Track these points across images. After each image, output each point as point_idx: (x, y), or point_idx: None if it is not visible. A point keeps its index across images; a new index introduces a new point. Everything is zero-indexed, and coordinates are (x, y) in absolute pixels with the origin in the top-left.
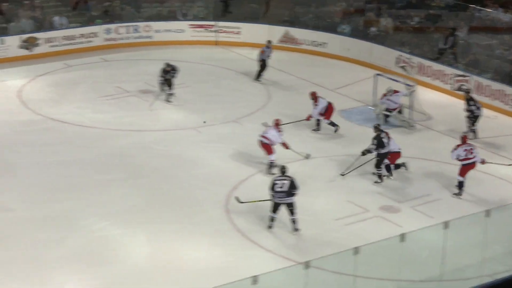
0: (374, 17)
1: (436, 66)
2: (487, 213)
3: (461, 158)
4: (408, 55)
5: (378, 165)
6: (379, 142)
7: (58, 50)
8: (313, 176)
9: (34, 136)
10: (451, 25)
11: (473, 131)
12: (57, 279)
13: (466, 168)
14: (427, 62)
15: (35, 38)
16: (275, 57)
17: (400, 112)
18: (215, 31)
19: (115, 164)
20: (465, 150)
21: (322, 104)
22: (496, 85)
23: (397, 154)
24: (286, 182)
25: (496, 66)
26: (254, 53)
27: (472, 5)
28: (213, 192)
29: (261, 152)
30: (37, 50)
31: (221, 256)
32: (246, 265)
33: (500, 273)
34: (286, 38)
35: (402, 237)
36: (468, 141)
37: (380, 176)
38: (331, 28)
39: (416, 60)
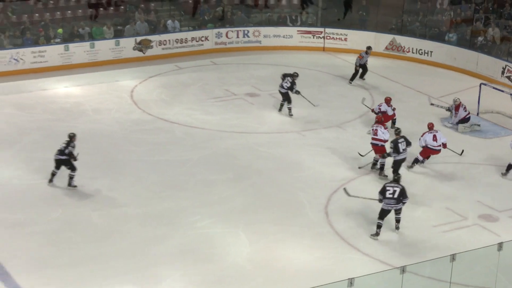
0: (481, 27)
1: None
2: None
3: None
4: None
5: (395, 171)
6: (394, 146)
7: (170, 53)
8: (412, 181)
9: (144, 135)
10: None
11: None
12: (160, 274)
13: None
14: None
15: (149, 41)
16: (381, 64)
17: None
18: (322, 37)
19: (221, 165)
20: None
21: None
22: None
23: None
24: (398, 190)
25: None
26: None
27: None
28: (314, 195)
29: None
30: (150, 52)
31: (320, 259)
32: (343, 267)
33: None
34: (393, 46)
35: (500, 246)
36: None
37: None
38: (438, 37)
39: None
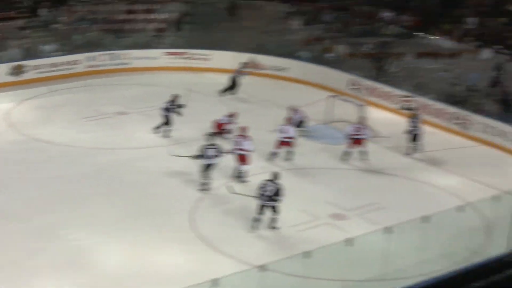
0: (330, 45)
1: (385, 88)
2: (426, 219)
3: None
4: (359, 78)
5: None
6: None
7: (44, 76)
8: None
9: (21, 155)
10: (400, 51)
11: (414, 147)
12: (37, 285)
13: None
14: (376, 84)
15: (23, 66)
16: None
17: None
18: (188, 58)
19: (95, 180)
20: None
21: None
22: (438, 105)
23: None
24: (273, 188)
25: (438, 87)
26: (224, 77)
27: (418, 33)
28: (181, 203)
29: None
30: (24, 76)
31: (189, 262)
32: (209, 269)
33: (436, 272)
34: (252, 64)
35: (349, 241)
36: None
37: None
38: (292, 55)
39: (366, 83)
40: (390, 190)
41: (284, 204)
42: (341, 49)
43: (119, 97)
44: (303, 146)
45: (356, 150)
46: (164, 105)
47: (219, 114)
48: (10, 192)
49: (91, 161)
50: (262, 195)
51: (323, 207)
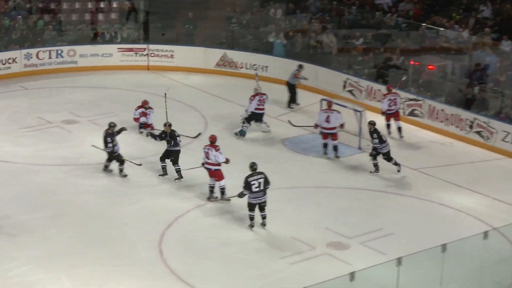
0: (316, 37)
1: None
2: (443, 247)
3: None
4: (355, 79)
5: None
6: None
7: None
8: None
9: None
10: (402, 45)
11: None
12: None
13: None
14: (376, 86)
15: None
16: (212, 82)
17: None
18: (146, 55)
19: (37, 202)
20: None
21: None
22: (451, 109)
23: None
24: (262, 180)
25: (450, 88)
26: (190, 78)
27: (424, 24)
28: (145, 231)
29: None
30: None
31: None
32: None
33: None
34: (224, 62)
35: (352, 276)
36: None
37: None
38: (271, 50)
39: (365, 83)
40: (398, 212)
41: (271, 230)
42: (329, 39)
43: (64, 103)
44: (291, 161)
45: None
46: None
47: (185, 122)
48: None
49: (32, 179)
50: (254, 192)
51: (319, 233)
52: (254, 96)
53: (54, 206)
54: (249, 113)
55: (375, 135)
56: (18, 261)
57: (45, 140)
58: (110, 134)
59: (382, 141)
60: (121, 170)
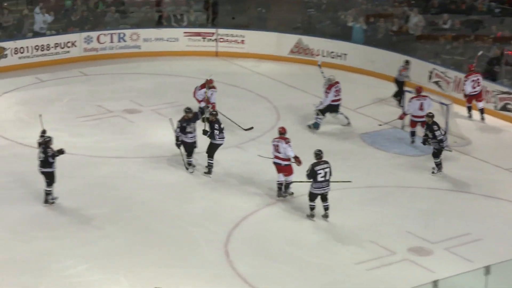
0: (401, 23)
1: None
2: None
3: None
4: (443, 69)
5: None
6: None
7: (29, 62)
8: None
9: (4, 165)
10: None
11: (439, 165)
12: None
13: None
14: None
15: (2, 48)
16: (286, 71)
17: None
18: (215, 40)
19: (96, 197)
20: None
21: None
22: None
23: None
24: (328, 169)
25: None
26: (261, 66)
27: None
28: (210, 231)
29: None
30: (3, 62)
31: None
32: None
33: None
34: (299, 48)
35: (435, 284)
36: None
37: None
38: (350, 36)
39: (453, 74)
40: (487, 217)
41: (347, 233)
42: (418, 20)
43: (126, 90)
44: (370, 157)
45: None
46: None
47: (255, 113)
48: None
49: (90, 172)
50: (320, 182)
51: (399, 237)
52: (329, 87)
53: (114, 202)
54: (325, 105)
55: (435, 127)
56: (74, 260)
57: (105, 130)
58: (187, 120)
59: (443, 133)
60: (189, 164)
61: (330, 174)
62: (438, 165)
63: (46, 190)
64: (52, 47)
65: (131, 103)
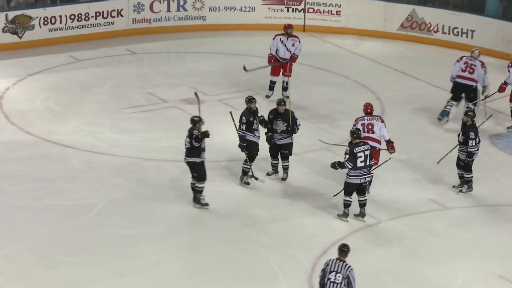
0: None
1: None
2: None
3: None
4: None
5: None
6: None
7: (61, 36)
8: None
9: (22, 167)
10: None
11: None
12: None
13: None
14: None
15: (28, 17)
16: (394, 52)
17: None
18: (302, 11)
19: (145, 212)
20: None
21: None
22: None
23: None
24: (368, 152)
25: None
26: (362, 45)
27: None
28: (291, 259)
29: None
30: (29, 36)
31: None
32: None
33: None
34: (412, 22)
35: None
36: None
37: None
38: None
39: None
40: None
41: (470, 263)
42: None
43: (185, 74)
44: (504, 166)
45: None
46: None
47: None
48: (1, 231)
49: (138, 180)
50: (359, 168)
51: None
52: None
53: (166, 219)
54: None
55: (472, 134)
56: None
57: (158, 125)
58: (253, 113)
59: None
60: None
61: (371, 159)
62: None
63: (196, 187)
64: (92, 16)
65: (191, 91)
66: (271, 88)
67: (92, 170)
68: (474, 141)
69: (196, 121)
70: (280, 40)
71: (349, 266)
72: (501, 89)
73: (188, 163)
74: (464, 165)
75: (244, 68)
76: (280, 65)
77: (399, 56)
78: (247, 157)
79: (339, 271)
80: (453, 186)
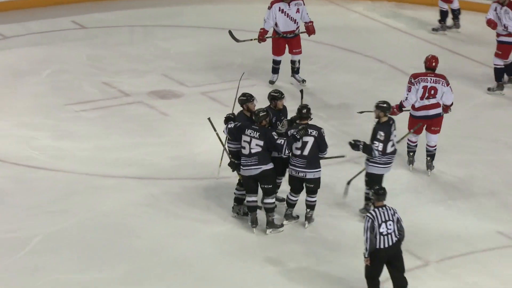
0: None
1: None
2: None
3: None
4: None
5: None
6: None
7: None
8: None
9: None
10: None
11: None
12: None
13: None
14: None
15: None
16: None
17: None
18: None
19: (100, 250)
20: None
21: None
22: None
23: None
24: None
25: None
26: (402, 16)
27: None
28: None
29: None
30: None
31: None
32: None
33: None
34: None
35: None
36: None
37: None
38: None
39: None
40: None
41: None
42: None
43: (155, 56)
44: None
45: None
46: None
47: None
48: None
49: (90, 204)
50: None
51: None
52: None
53: (128, 259)
54: None
55: None
56: None
57: (116, 128)
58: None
59: None
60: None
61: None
62: None
63: (267, 204)
64: None
65: (163, 80)
66: (275, 70)
67: (25, 192)
68: None
69: (264, 116)
70: (279, 9)
71: (392, 208)
72: None
73: (263, 173)
74: None
75: (232, 35)
76: (285, 40)
77: (455, 31)
78: (241, 178)
79: (388, 218)
80: None
